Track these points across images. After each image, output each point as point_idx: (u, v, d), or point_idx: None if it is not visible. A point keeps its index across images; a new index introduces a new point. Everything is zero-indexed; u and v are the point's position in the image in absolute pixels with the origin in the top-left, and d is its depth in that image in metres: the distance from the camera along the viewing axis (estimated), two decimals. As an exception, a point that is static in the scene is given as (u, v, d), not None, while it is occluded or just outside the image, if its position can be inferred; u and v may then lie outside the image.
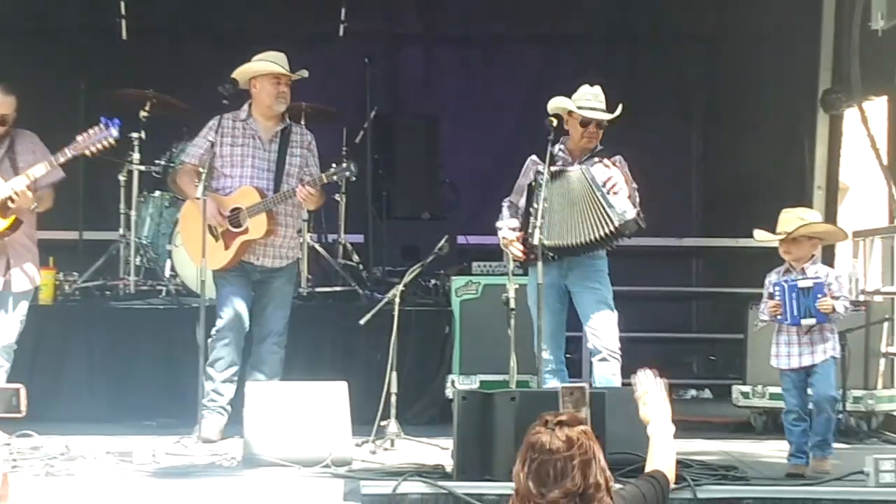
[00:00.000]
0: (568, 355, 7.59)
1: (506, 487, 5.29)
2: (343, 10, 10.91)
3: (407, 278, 7.75)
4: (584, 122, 7.33)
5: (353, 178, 7.95)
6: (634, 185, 7.28)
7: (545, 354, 7.18)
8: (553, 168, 7.27)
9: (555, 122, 7.28)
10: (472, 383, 8.56)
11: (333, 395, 6.77)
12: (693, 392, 10.66)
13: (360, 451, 7.02)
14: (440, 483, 6.13)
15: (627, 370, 7.13)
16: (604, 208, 7.19)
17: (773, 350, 6.87)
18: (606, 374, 7.20)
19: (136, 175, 9.31)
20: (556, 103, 7.35)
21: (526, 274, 7.50)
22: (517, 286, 7.46)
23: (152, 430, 7.96)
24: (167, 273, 9.15)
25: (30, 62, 10.45)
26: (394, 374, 7.43)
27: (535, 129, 7.74)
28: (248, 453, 6.63)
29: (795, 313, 6.69)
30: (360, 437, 7.10)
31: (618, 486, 4.24)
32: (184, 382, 8.20)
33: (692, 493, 6.07)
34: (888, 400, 8.49)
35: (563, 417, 4.10)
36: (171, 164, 9.24)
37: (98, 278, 9.32)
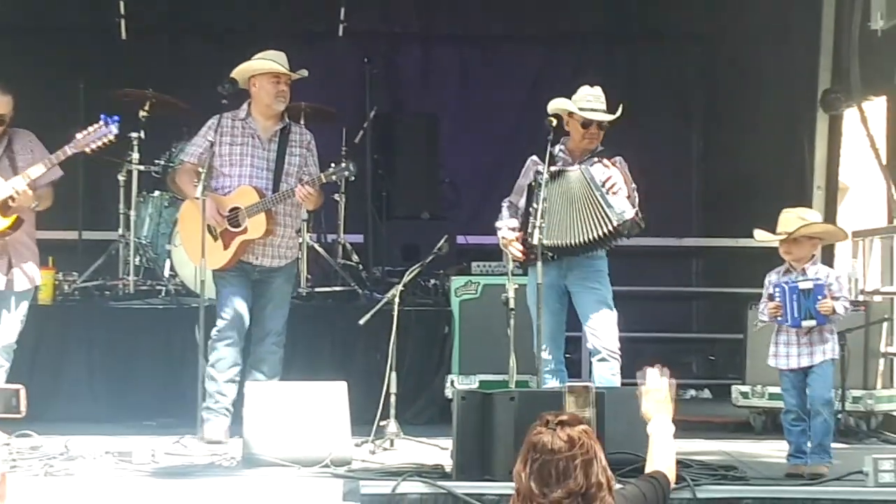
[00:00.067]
0: (568, 355, 7.58)
1: (505, 487, 5.30)
2: (342, 10, 10.92)
3: (406, 278, 7.75)
4: (586, 124, 7.32)
5: (353, 178, 7.96)
6: (634, 186, 7.27)
7: (545, 354, 7.18)
8: (553, 168, 7.26)
9: (554, 122, 7.28)
10: (471, 383, 8.57)
11: (333, 395, 6.76)
12: (693, 392, 10.65)
13: (360, 451, 7.02)
14: (439, 483, 6.13)
15: (627, 370, 7.16)
16: (602, 208, 7.19)
17: (771, 350, 6.86)
18: (606, 374, 7.20)
19: (135, 175, 9.31)
20: (557, 104, 7.34)
21: (525, 274, 7.49)
22: (517, 286, 7.46)
23: (152, 430, 7.96)
24: (166, 273, 9.15)
25: (29, 62, 10.46)
26: (393, 374, 7.43)
27: (534, 129, 7.74)
28: (247, 453, 6.63)
29: (796, 315, 6.67)
30: (359, 437, 7.09)
31: (618, 486, 4.23)
32: (183, 382, 8.20)
33: (692, 493, 6.06)
34: (887, 400, 8.49)
35: (564, 417, 4.10)
36: (171, 164, 9.24)
37: (97, 278, 9.32)
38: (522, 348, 7.36)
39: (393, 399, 7.41)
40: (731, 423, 8.81)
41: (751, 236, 7.14)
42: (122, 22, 10.79)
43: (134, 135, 9.25)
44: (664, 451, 4.63)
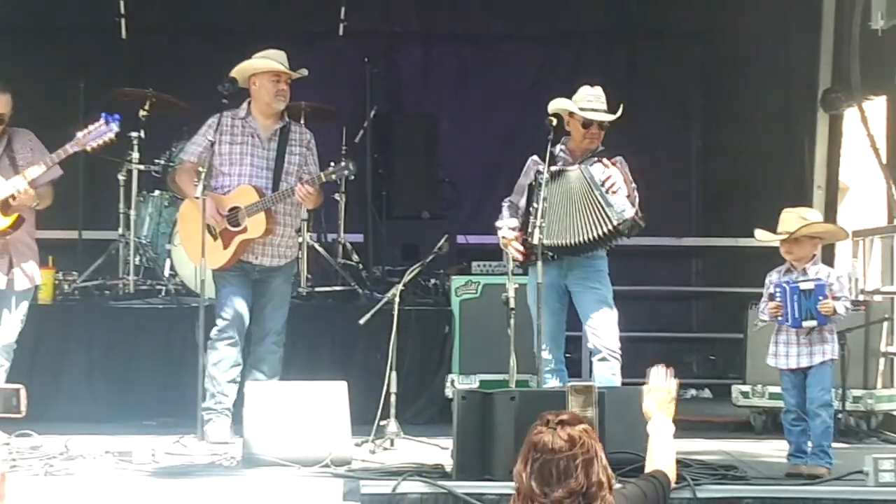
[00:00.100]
0: (568, 355, 7.58)
1: (506, 487, 5.30)
2: (342, 10, 10.92)
3: (406, 278, 7.74)
4: (586, 124, 7.32)
5: (352, 177, 7.96)
6: (634, 185, 7.27)
7: (545, 354, 7.17)
8: (553, 168, 7.26)
9: (555, 122, 7.27)
10: (471, 383, 8.57)
11: (333, 395, 6.76)
12: (693, 392, 10.65)
13: (360, 451, 7.02)
14: (440, 483, 6.13)
15: (628, 370, 7.17)
16: (602, 207, 7.18)
17: (770, 349, 6.85)
18: (606, 373, 7.19)
19: (135, 174, 9.30)
20: (558, 104, 7.34)
21: (526, 273, 7.49)
22: (517, 286, 7.47)
23: (152, 429, 7.96)
24: (166, 272, 9.15)
25: (29, 61, 10.46)
26: (393, 374, 7.43)
27: (534, 129, 7.74)
28: (247, 453, 6.62)
29: (797, 315, 6.66)
30: (359, 436, 7.09)
31: (619, 485, 4.23)
32: (183, 382, 8.19)
33: (692, 492, 6.06)
34: (887, 399, 8.50)
35: (565, 416, 4.10)
36: (171, 164, 9.24)
37: (97, 278, 9.31)
38: (523, 348, 7.36)
39: (393, 399, 7.41)
40: (731, 423, 8.81)
41: (751, 236, 7.13)
42: (122, 22, 10.79)
43: (134, 134, 9.25)
44: (664, 451, 4.63)
